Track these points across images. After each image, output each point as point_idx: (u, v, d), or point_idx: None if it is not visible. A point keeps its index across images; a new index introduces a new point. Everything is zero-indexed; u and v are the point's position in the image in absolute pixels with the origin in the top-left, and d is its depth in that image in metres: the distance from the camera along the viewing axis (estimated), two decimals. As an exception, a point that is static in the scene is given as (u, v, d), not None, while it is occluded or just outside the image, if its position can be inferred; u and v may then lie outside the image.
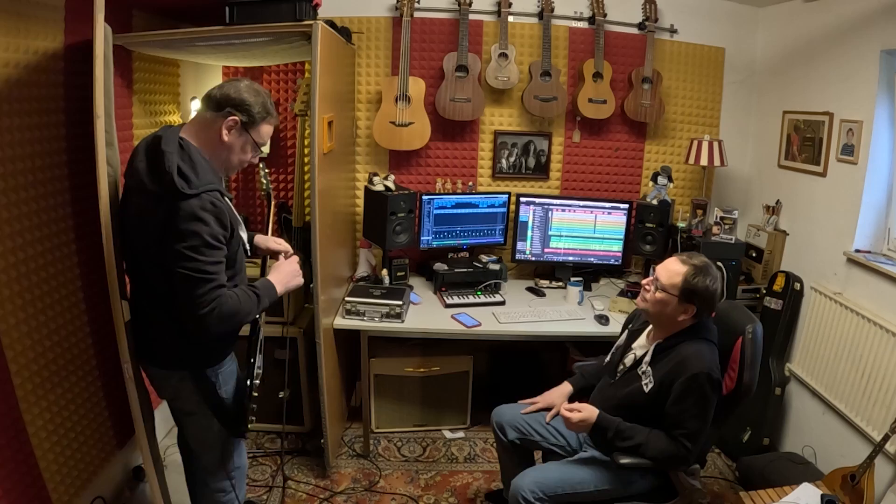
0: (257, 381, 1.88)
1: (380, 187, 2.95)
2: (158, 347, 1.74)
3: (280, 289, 1.80)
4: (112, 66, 1.78)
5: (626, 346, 2.07)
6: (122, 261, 1.74)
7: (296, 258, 1.93)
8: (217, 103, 1.60)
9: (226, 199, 1.61)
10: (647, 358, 1.91)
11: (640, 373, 1.92)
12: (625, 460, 1.82)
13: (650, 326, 2.01)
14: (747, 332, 1.88)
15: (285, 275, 1.84)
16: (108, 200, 1.66)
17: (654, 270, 1.92)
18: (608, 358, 2.17)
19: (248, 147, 1.68)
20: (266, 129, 1.69)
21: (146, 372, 1.83)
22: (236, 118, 1.60)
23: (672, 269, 1.85)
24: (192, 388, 1.76)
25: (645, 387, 1.87)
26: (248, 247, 1.79)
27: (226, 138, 1.61)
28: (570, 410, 1.88)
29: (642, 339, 2.03)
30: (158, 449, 2.06)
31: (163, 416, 2.35)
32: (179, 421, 1.94)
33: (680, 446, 1.77)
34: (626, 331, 2.15)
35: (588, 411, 1.87)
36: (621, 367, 2.03)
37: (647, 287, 1.92)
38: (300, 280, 1.89)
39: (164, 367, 1.76)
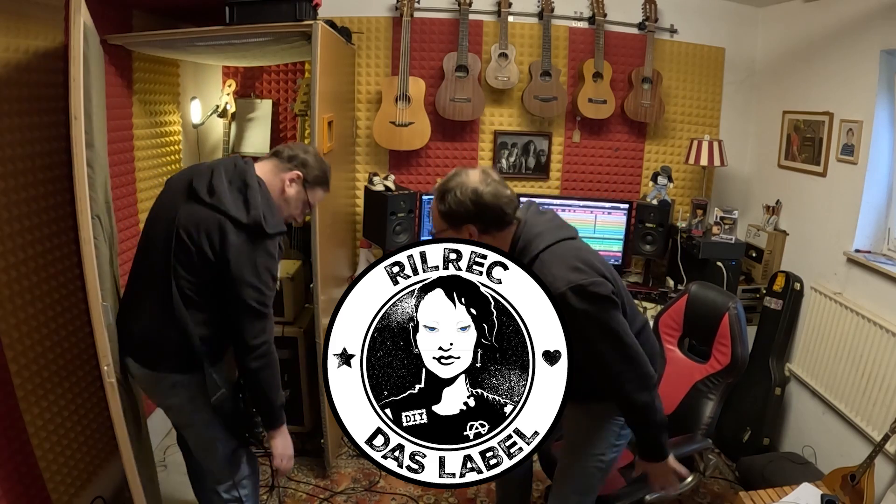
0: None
1: (380, 187, 2.95)
2: (155, 349, 1.70)
3: (279, 434, 1.86)
4: (94, 67, 1.76)
5: None
6: (96, 263, 1.69)
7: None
8: (287, 157, 1.75)
9: None
10: None
11: None
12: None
13: None
14: (731, 308, 2.02)
15: (285, 446, 1.89)
16: (88, 203, 1.64)
17: None
18: None
19: (301, 204, 1.79)
20: (319, 195, 1.83)
21: (135, 376, 1.78)
22: (300, 174, 1.74)
23: (433, 212, 1.61)
24: (185, 396, 1.73)
25: None
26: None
27: (287, 189, 1.74)
28: (659, 486, 1.68)
29: None
30: (153, 456, 2.03)
31: (163, 415, 2.35)
32: (178, 431, 1.92)
33: (624, 390, 1.51)
34: None
35: (650, 470, 1.67)
36: None
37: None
38: (288, 464, 1.90)
39: (154, 370, 1.72)
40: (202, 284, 1.65)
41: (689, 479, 1.96)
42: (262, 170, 1.73)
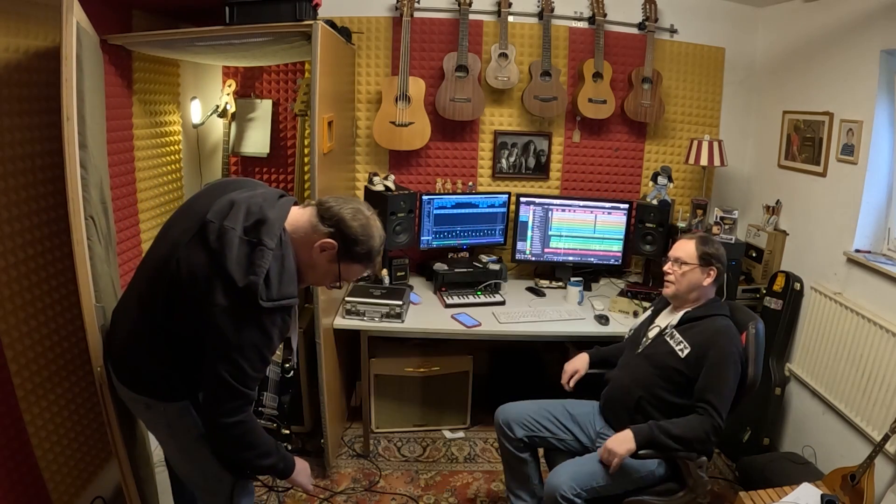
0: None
1: (380, 187, 2.95)
2: (130, 368, 1.57)
3: (293, 475, 1.64)
4: (88, 68, 1.75)
5: (649, 322, 2.22)
6: (89, 263, 1.67)
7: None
8: (329, 218, 1.45)
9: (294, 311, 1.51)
10: (674, 322, 2.07)
11: (667, 339, 2.05)
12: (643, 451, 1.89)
13: (670, 306, 2.19)
14: (750, 328, 1.99)
15: (305, 477, 1.72)
16: (81, 204, 1.65)
17: (667, 259, 2.12)
18: (628, 334, 2.30)
19: (330, 276, 1.52)
20: (357, 270, 1.54)
21: (114, 386, 1.64)
22: (334, 244, 1.44)
23: (686, 246, 2.09)
24: (162, 422, 1.59)
25: (680, 351, 1.97)
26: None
27: (315, 257, 1.46)
28: (606, 451, 1.89)
29: (665, 314, 2.19)
30: (150, 456, 2.00)
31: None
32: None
33: (711, 419, 1.84)
34: (650, 310, 2.32)
35: (617, 437, 1.91)
36: (645, 339, 2.16)
37: (669, 271, 2.09)
38: (307, 486, 1.76)
39: (128, 387, 1.57)
40: (187, 327, 1.41)
41: (680, 494, 1.97)
42: (296, 221, 1.47)
